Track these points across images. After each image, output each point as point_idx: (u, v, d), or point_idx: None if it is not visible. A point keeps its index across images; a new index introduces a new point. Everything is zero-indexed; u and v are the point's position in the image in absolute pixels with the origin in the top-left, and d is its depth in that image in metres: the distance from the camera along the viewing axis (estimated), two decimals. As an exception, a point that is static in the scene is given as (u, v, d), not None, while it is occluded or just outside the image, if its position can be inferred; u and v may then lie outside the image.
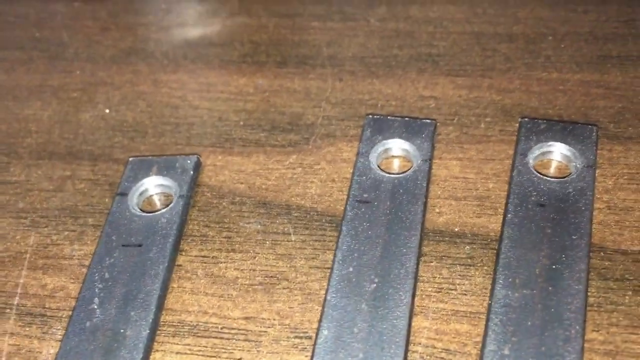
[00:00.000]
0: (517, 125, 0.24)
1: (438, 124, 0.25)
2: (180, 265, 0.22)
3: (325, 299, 0.20)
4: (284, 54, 0.29)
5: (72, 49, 0.31)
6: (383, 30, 0.29)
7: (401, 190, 0.22)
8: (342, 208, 0.23)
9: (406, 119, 0.24)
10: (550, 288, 0.19)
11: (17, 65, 0.30)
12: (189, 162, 0.24)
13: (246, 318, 0.21)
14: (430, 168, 0.23)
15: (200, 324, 0.21)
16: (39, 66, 0.30)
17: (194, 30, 0.31)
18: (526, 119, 0.24)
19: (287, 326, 0.20)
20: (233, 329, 0.21)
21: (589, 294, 0.20)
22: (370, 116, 0.24)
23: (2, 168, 0.26)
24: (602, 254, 0.21)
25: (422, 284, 0.21)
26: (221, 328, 0.21)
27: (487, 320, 0.19)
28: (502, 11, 0.29)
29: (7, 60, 0.31)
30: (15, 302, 0.22)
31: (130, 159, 0.25)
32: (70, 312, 0.21)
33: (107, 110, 0.28)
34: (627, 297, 0.20)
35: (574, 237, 0.20)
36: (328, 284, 0.20)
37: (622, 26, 0.28)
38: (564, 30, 0.28)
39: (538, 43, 0.27)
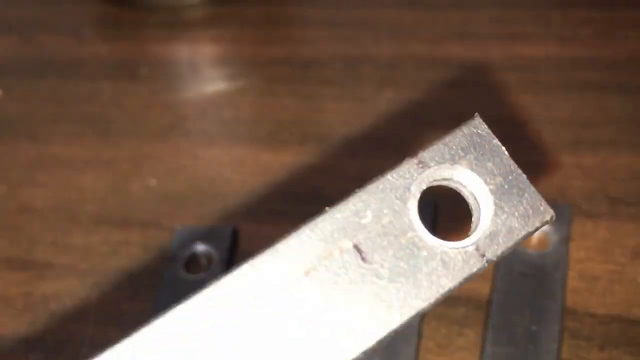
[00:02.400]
0: (505, 202, 0.28)
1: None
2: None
3: (344, 353, 0.24)
4: (304, 132, 0.34)
5: (119, 125, 0.35)
6: (390, 111, 0.34)
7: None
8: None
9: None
10: (530, 346, 0.23)
11: (72, 138, 0.35)
12: (227, 230, 0.29)
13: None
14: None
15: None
16: (91, 140, 0.35)
17: (226, 109, 0.36)
18: (512, 198, 0.28)
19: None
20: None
21: (561, 351, 0.24)
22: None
23: (66, 232, 0.31)
24: (573, 316, 0.25)
25: (424, 340, 0.25)
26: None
27: (479, 371, 0.23)
28: (492, 96, 0.34)
29: (63, 134, 0.35)
30: (84, 351, 0.26)
31: (177, 227, 0.29)
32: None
33: (154, 182, 0.32)
34: (593, 354, 0.24)
35: (550, 302, 0.25)
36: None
37: (597, 114, 0.32)
38: (546, 116, 0.32)
39: (523, 127, 0.32)
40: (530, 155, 0.31)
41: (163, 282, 0.28)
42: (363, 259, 0.13)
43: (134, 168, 0.33)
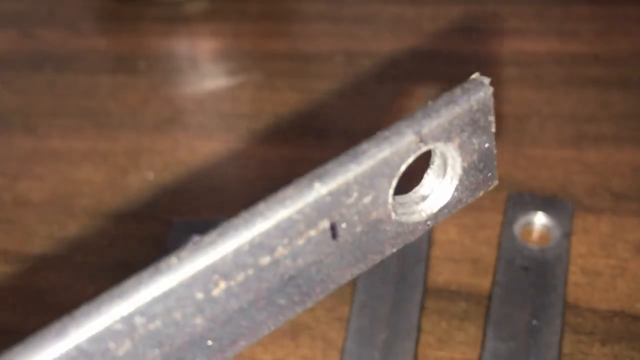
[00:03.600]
0: (506, 197, 0.28)
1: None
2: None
3: (343, 348, 0.24)
4: (303, 126, 0.33)
5: (117, 118, 0.35)
6: (390, 105, 0.34)
7: (405, 254, 0.26)
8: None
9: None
10: (531, 340, 0.23)
11: (70, 131, 0.35)
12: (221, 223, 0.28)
13: (275, 361, 0.25)
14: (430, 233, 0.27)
15: (236, 366, 0.25)
16: (89, 133, 0.35)
17: (224, 103, 0.35)
18: (514, 192, 0.28)
19: (311, 369, 0.24)
20: (264, 370, 0.25)
21: (563, 345, 0.23)
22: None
23: (62, 226, 0.30)
24: (575, 311, 0.24)
25: (424, 334, 0.25)
26: (254, 370, 0.25)
27: (479, 366, 0.23)
28: (494, 91, 0.34)
29: (60, 127, 0.35)
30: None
31: (174, 220, 0.29)
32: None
33: (152, 175, 0.32)
34: (595, 348, 0.23)
35: (551, 296, 0.24)
36: (346, 334, 0.24)
37: (599, 109, 0.32)
38: (548, 111, 0.32)
39: (525, 122, 0.32)
40: (532, 150, 0.30)
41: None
42: (334, 235, 0.14)
43: (132, 161, 0.33)
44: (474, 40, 0.36)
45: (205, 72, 0.38)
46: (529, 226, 0.27)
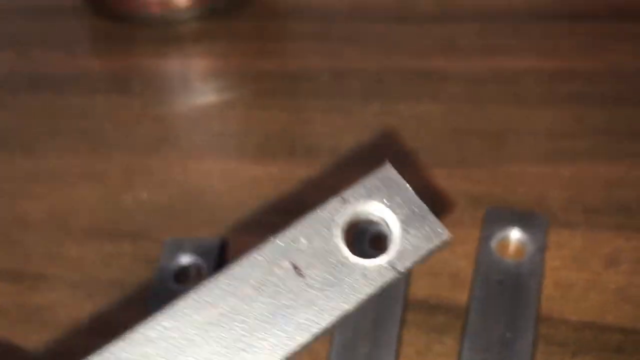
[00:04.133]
0: (484, 212, 0.29)
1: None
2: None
3: (327, 360, 0.25)
4: (292, 144, 0.35)
5: (112, 138, 0.36)
6: (375, 124, 0.35)
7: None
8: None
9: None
10: (505, 352, 0.24)
11: (66, 151, 0.36)
12: (215, 242, 0.30)
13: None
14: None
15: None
16: (85, 153, 0.36)
17: (215, 123, 0.37)
18: (491, 208, 0.29)
19: (297, 381, 0.25)
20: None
21: (535, 356, 0.25)
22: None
23: (59, 244, 0.31)
24: (548, 323, 0.26)
25: (404, 347, 0.26)
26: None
27: (456, 377, 0.24)
28: (475, 109, 0.35)
29: (57, 148, 0.36)
30: (76, 361, 0.27)
31: (166, 239, 0.30)
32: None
33: (145, 194, 0.33)
34: (566, 359, 0.25)
35: (525, 309, 0.25)
36: (330, 347, 0.25)
37: (575, 125, 0.33)
38: (526, 127, 0.33)
39: (503, 139, 0.33)
40: (510, 166, 0.32)
41: (153, 292, 0.28)
42: (299, 274, 0.17)
43: (126, 181, 0.34)
44: (455, 58, 0.38)
45: (196, 92, 0.39)
46: (505, 241, 0.28)
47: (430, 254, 0.18)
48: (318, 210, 0.18)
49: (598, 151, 0.32)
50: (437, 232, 0.18)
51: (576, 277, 0.27)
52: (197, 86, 0.39)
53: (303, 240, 0.17)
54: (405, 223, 0.18)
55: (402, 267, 0.17)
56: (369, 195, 0.18)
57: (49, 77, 0.40)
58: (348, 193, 0.18)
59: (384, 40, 0.39)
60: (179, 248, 0.30)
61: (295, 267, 0.17)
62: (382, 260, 0.17)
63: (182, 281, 0.29)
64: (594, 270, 0.27)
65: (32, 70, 0.41)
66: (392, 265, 0.17)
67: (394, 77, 0.37)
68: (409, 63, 0.38)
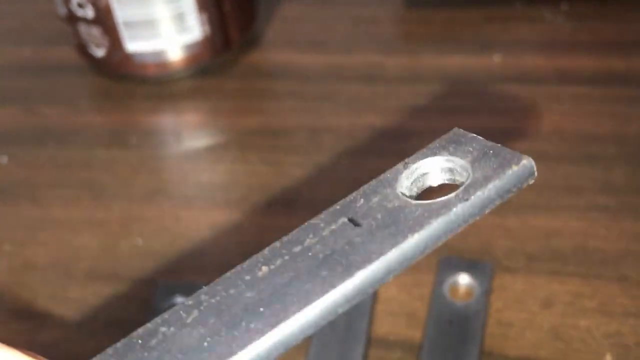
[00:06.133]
0: (438, 260, 0.33)
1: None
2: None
3: (299, 390, 0.29)
4: (272, 196, 0.39)
5: (111, 189, 0.40)
6: (346, 178, 0.39)
7: (352, 310, 0.31)
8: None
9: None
10: (450, 383, 0.28)
11: (70, 201, 0.40)
12: (202, 285, 0.33)
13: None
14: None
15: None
16: (86, 203, 0.40)
17: (203, 175, 0.41)
18: (444, 257, 0.33)
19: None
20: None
21: (477, 387, 0.29)
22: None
23: (63, 287, 0.35)
24: (489, 358, 0.30)
25: (366, 379, 0.30)
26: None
27: (409, 405, 0.28)
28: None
29: (61, 198, 0.40)
30: (79, 392, 0.31)
31: (159, 283, 0.34)
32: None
33: (141, 241, 0.37)
34: (504, 389, 0.29)
35: (470, 346, 0.30)
36: (301, 380, 0.29)
37: (521, 179, 0.38)
38: (479, 181, 0.38)
39: (459, 192, 0.37)
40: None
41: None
42: (356, 224, 0.16)
43: (124, 228, 0.38)
44: (420, 117, 0.42)
45: (187, 146, 0.43)
46: (455, 285, 0.32)
47: (510, 184, 0.15)
48: (380, 176, 0.16)
49: (540, 204, 0.36)
50: (512, 160, 0.15)
51: (516, 317, 0.31)
52: (189, 140, 0.44)
53: (362, 200, 0.16)
54: (475, 162, 0.16)
55: (472, 194, 0.15)
56: (434, 154, 0.17)
57: (54, 131, 0.44)
58: (411, 157, 0.17)
59: (356, 99, 0.44)
60: (172, 291, 0.34)
61: (352, 220, 0.16)
62: (449, 196, 0.16)
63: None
64: (530, 311, 0.31)
65: (39, 124, 0.45)
66: (459, 196, 0.15)
67: (363, 134, 0.41)
68: (378, 121, 0.42)
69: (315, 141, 0.42)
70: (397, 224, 0.16)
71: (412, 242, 0.15)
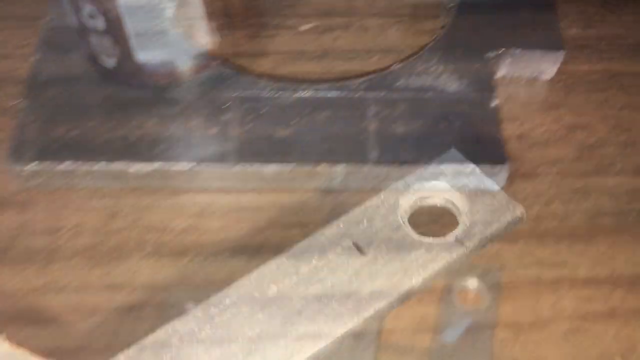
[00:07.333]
0: (448, 265, 0.33)
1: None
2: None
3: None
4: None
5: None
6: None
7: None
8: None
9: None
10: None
11: (81, 210, 0.40)
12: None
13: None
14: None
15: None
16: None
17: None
18: (453, 261, 0.33)
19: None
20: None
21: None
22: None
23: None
24: (499, 363, 0.30)
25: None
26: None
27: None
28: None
29: (73, 206, 0.41)
30: None
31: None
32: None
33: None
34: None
35: (480, 351, 0.29)
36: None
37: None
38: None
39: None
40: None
41: None
42: (360, 252, 0.17)
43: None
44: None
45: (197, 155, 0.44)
46: (464, 289, 0.32)
47: (502, 230, 0.17)
48: (381, 194, 0.17)
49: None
50: (507, 208, 0.17)
51: (525, 322, 0.31)
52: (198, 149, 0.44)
53: (365, 222, 0.17)
54: (473, 200, 0.17)
55: (470, 243, 0.17)
56: (434, 178, 0.18)
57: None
58: (411, 177, 0.18)
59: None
60: None
61: (356, 245, 0.17)
62: (449, 237, 0.17)
63: None
64: (541, 315, 0.31)
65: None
66: (459, 240, 0.17)
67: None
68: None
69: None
70: (402, 260, 0.17)
71: (417, 284, 0.17)
